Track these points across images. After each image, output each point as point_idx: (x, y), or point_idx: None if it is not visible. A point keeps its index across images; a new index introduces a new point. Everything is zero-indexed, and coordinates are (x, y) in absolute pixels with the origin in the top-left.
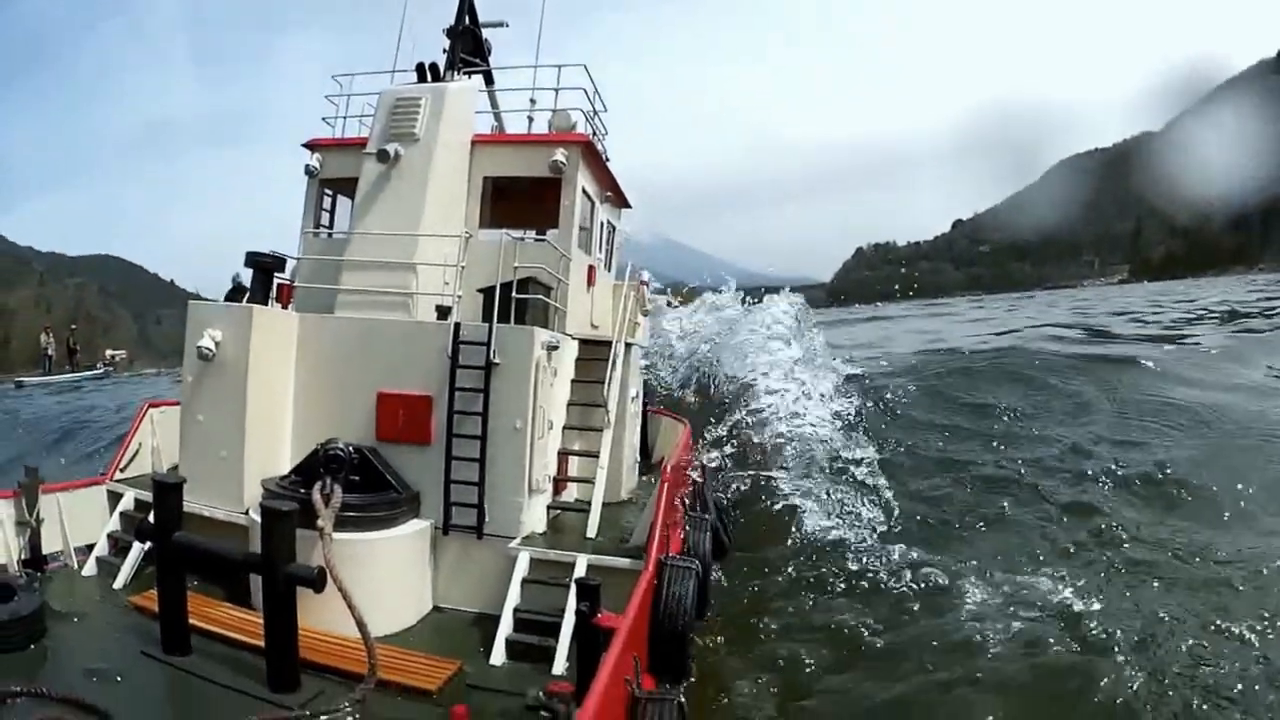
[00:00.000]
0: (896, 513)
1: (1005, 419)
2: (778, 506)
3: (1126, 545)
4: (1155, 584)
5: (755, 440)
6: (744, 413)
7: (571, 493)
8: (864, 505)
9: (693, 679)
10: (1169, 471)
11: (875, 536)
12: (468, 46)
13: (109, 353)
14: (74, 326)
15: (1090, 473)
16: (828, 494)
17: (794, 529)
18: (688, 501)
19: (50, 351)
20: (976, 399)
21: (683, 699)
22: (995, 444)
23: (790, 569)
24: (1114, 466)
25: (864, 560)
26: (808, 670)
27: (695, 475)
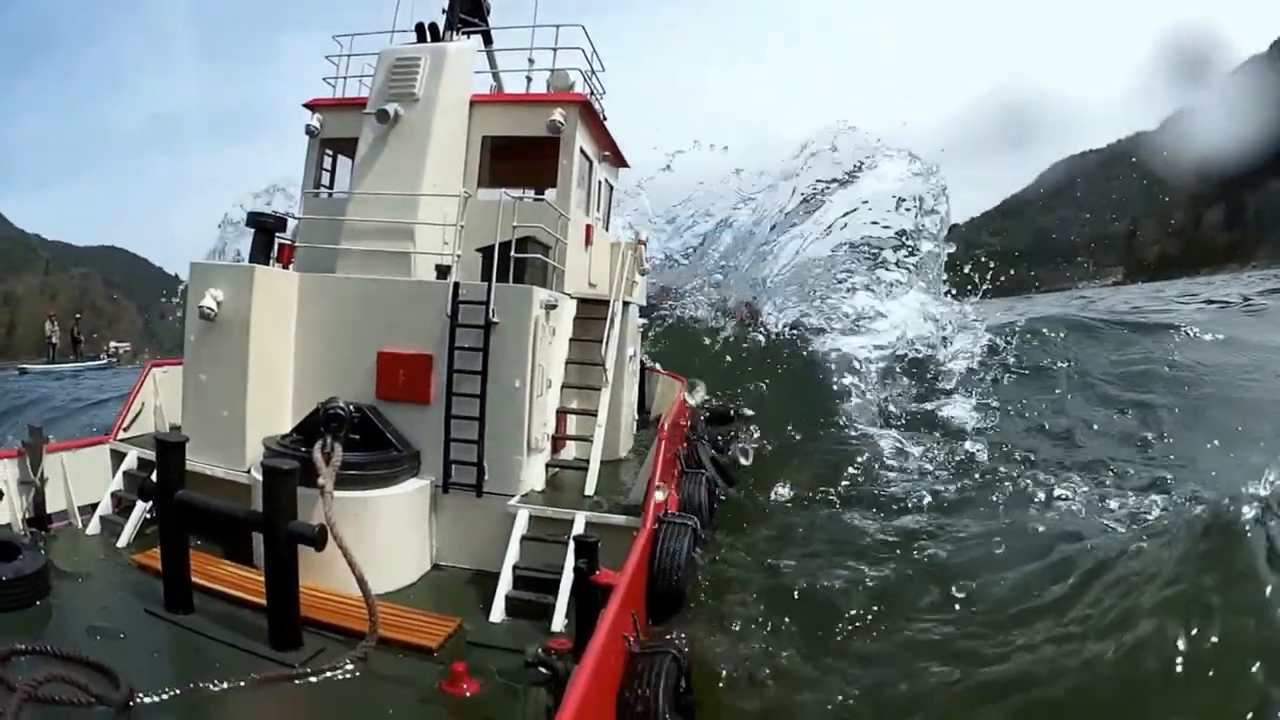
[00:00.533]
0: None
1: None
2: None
3: None
4: None
5: None
6: None
7: (570, 451)
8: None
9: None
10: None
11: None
12: (466, 6)
13: (113, 344)
14: (78, 316)
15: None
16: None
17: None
18: (684, 456)
19: (54, 340)
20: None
21: (681, 651)
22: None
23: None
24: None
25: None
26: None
27: (690, 431)
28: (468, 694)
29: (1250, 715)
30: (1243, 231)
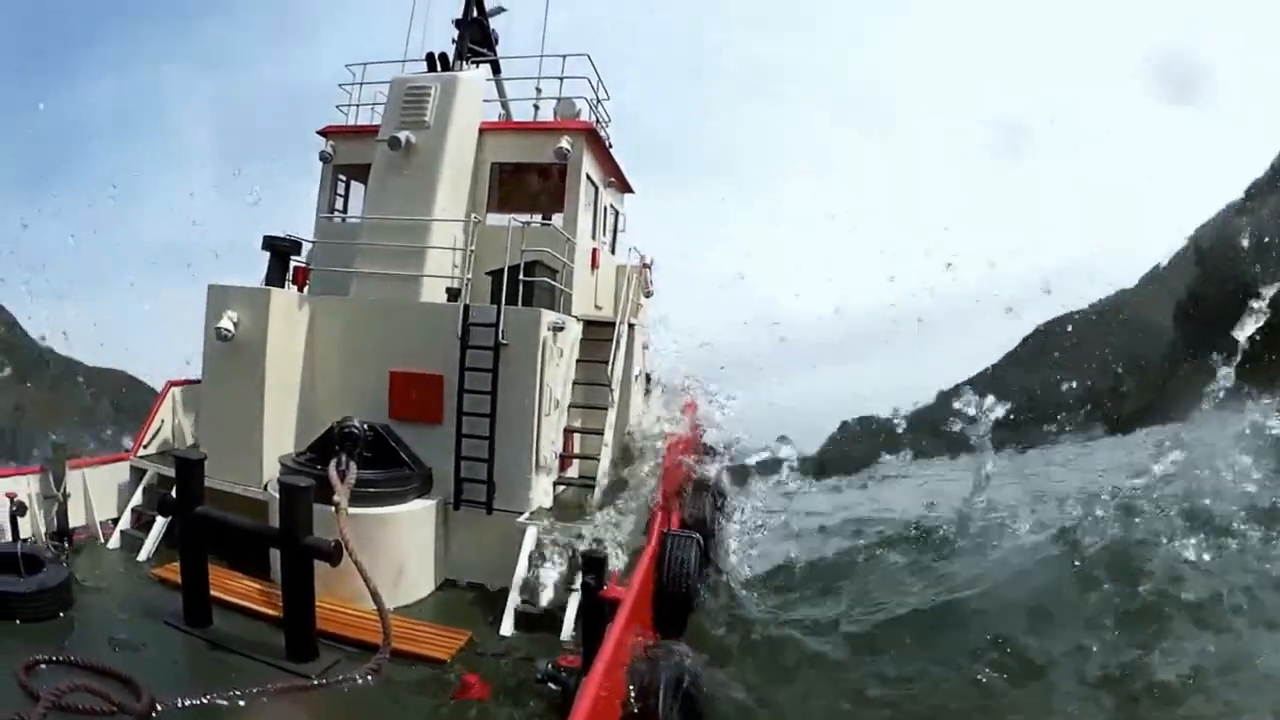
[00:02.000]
0: None
1: None
2: None
3: None
4: None
5: None
6: None
7: (577, 469)
8: None
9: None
10: None
11: None
12: (475, 36)
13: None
14: (83, 437)
15: None
16: None
17: None
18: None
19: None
20: None
21: (687, 662)
22: None
23: None
24: None
25: None
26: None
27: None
28: (479, 704)
29: None
30: (1214, 377)
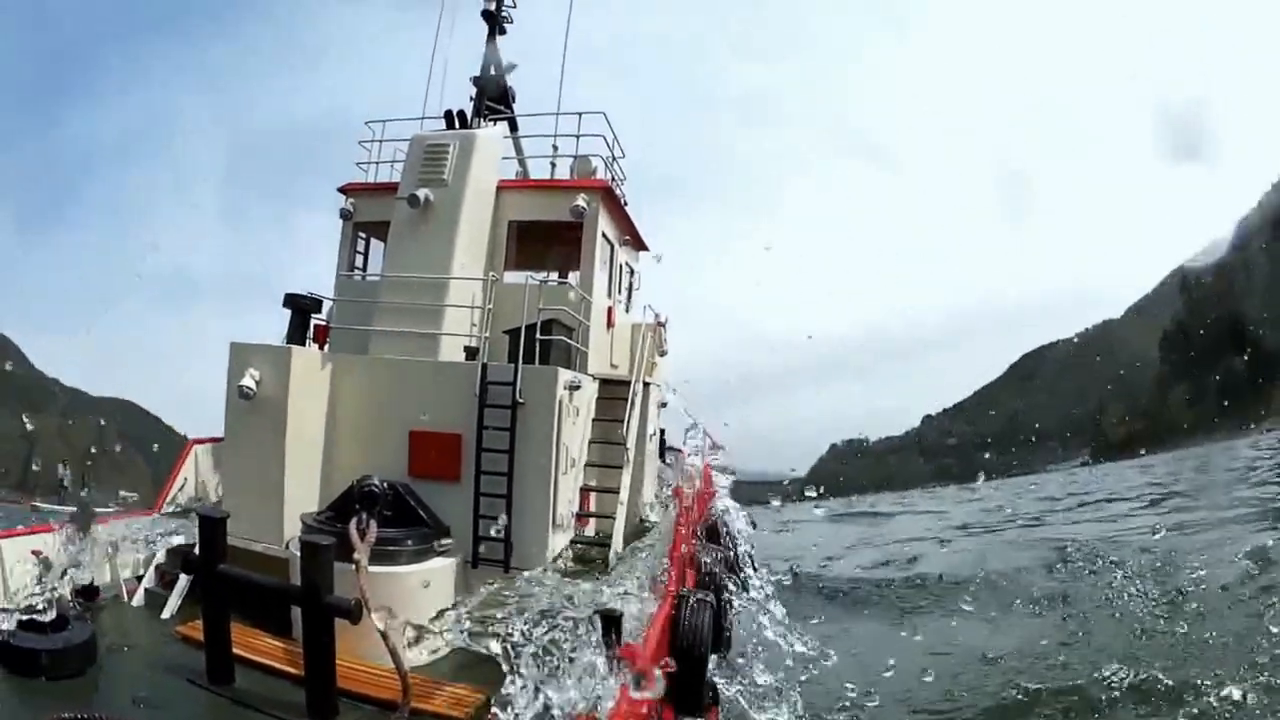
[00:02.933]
0: None
1: None
2: None
3: None
4: None
5: None
6: None
7: (593, 527)
8: None
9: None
10: None
11: None
12: (493, 94)
13: (121, 494)
14: (89, 464)
15: None
16: None
17: None
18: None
19: (66, 483)
20: None
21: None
22: None
23: None
24: None
25: None
26: None
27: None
28: None
29: None
30: (1204, 408)
